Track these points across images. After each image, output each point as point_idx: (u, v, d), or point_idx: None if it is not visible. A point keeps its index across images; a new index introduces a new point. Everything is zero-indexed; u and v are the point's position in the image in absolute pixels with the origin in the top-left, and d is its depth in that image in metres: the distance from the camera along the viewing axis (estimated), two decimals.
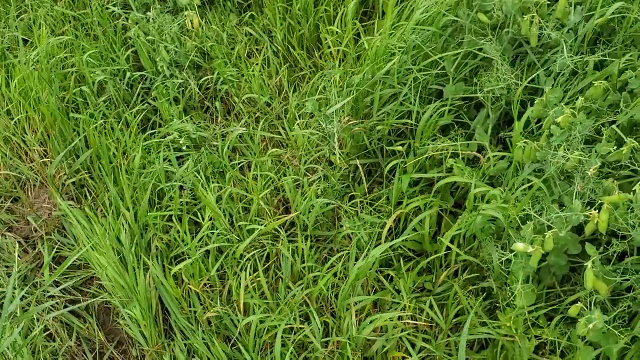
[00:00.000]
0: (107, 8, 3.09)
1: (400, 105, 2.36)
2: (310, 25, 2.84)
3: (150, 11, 2.94)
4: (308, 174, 2.44)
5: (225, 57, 2.92)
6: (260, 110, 2.80)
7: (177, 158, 2.61)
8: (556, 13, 2.06)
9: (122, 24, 3.05)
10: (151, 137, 2.69)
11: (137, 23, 2.95)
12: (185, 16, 2.89)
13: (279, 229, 2.29)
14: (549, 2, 2.12)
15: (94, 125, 2.63)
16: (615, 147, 1.69)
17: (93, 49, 2.90)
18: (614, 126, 1.72)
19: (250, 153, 2.62)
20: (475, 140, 2.19)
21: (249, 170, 2.52)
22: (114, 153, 2.58)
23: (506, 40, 2.15)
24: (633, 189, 1.57)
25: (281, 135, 2.66)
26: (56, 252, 2.58)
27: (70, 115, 2.75)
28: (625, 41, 2.08)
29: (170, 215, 2.40)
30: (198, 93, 2.86)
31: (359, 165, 2.33)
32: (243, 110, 2.79)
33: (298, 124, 2.49)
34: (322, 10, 2.87)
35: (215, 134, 2.71)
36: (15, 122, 2.80)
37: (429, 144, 2.21)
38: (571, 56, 1.96)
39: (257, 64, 2.86)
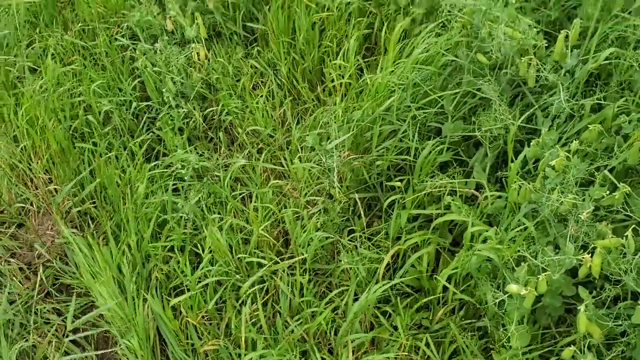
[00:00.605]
0: (116, 39, 3.16)
1: (399, 141, 2.39)
2: (313, 59, 2.90)
3: (158, 43, 3.00)
4: (308, 206, 2.47)
5: (230, 89, 2.97)
6: (263, 141, 2.84)
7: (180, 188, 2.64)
8: (554, 55, 2.10)
9: (130, 55, 3.11)
10: (155, 167, 2.73)
11: (144, 54, 3.01)
12: (192, 48, 2.95)
13: (278, 260, 2.32)
14: (546, 44, 2.17)
15: (102, 158, 2.67)
16: (609, 192, 1.71)
17: (101, 79, 2.96)
18: (606, 171, 1.74)
19: (252, 183, 2.65)
20: (473, 178, 2.22)
21: (250, 201, 2.55)
22: (117, 182, 2.62)
23: (504, 81, 2.20)
24: (626, 234, 1.59)
25: (283, 166, 2.70)
26: (57, 279, 2.61)
27: (76, 144, 2.79)
28: (621, 84, 2.12)
29: (171, 246, 2.43)
30: (202, 124, 2.90)
31: (358, 200, 2.36)
32: (246, 141, 2.83)
33: (300, 157, 2.52)
34: (326, 44, 2.93)
35: (218, 164, 2.75)
36: (21, 149, 2.86)
37: (427, 181, 2.24)
38: (568, 99, 1.99)
39: (261, 96, 2.91)
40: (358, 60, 2.79)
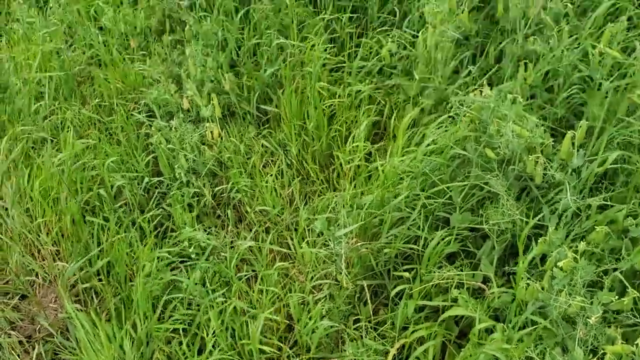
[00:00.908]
0: (133, 115, 3.24)
1: (407, 229, 2.41)
2: (322, 145, 2.97)
3: (173, 120, 3.08)
4: (314, 291, 2.46)
5: (241, 167, 3.02)
6: (271, 220, 2.86)
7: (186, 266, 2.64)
8: (560, 154, 2.15)
9: (145, 132, 3.19)
10: (163, 242, 2.75)
11: (160, 130, 3.09)
12: (206, 127, 3.03)
13: (283, 346, 2.29)
14: (553, 141, 2.22)
15: (113, 238, 2.68)
16: (617, 296, 1.71)
17: (115, 154, 3.02)
18: (617, 273, 1.75)
19: (258, 264, 2.65)
20: (480, 270, 2.22)
21: (255, 281, 2.54)
22: (126, 263, 2.63)
23: (512, 176, 2.24)
24: (636, 342, 1.58)
25: (290, 248, 2.71)
26: (56, 354, 2.57)
27: (86, 219, 2.82)
28: (627, 184, 2.16)
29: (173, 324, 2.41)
30: (211, 201, 2.94)
31: (365, 287, 2.36)
32: (254, 219, 2.85)
33: (307, 241, 2.53)
34: (336, 128, 3.01)
35: (224, 243, 2.76)
36: (32, 220, 2.88)
37: (435, 271, 2.24)
38: (574, 198, 2.02)
39: (271, 174, 2.95)
40: (366, 145, 2.85)
